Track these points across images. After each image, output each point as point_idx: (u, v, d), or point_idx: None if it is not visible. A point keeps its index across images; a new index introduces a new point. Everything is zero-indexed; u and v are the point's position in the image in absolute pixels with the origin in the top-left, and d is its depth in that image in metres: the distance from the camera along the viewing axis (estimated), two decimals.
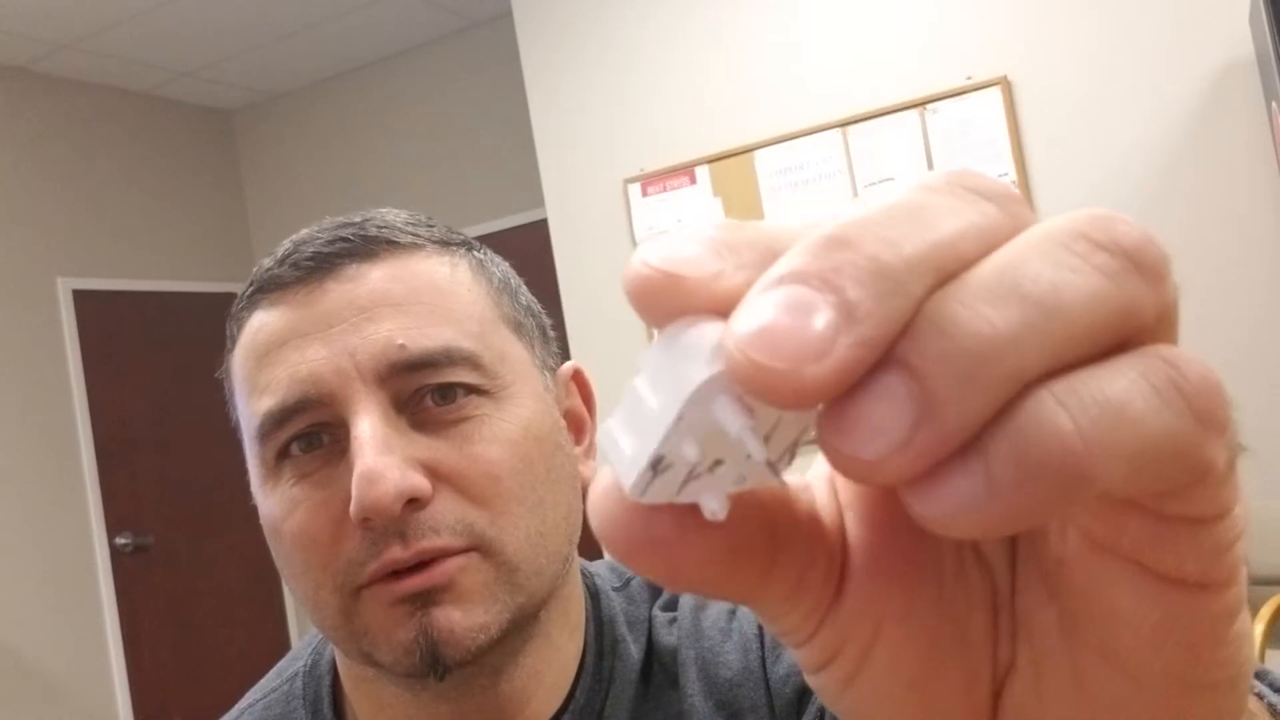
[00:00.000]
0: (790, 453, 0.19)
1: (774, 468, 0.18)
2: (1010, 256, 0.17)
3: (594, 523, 0.19)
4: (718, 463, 0.18)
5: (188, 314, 4.62)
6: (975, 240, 0.17)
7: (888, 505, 0.21)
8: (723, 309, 0.17)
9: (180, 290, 4.63)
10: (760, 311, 0.16)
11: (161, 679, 4.19)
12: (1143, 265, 0.17)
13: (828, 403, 0.16)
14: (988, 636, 0.21)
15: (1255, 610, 2.28)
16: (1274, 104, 2.45)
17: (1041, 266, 0.16)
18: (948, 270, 0.16)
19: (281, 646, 4.53)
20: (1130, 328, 0.17)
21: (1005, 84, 2.89)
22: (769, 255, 0.18)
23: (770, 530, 0.20)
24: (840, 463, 0.16)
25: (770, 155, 3.18)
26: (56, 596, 3.88)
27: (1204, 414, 0.16)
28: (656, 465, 0.18)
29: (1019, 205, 0.18)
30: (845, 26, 3.11)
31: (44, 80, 4.23)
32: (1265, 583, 2.31)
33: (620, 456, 0.19)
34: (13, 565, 3.75)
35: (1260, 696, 0.33)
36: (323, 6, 4.08)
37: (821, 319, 0.16)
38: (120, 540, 4.12)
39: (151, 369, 4.40)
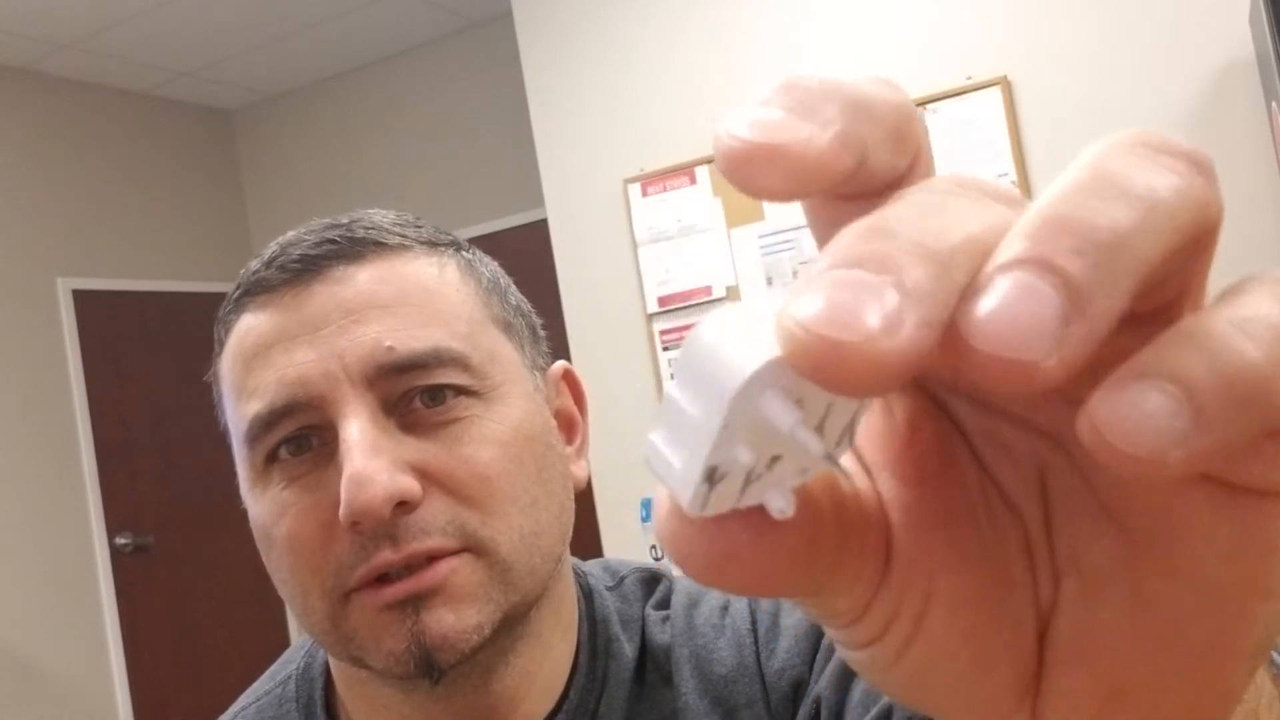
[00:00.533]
0: (847, 438, 0.19)
1: (832, 458, 0.17)
2: (1095, 163, 0.17)
3: (665, 548, 0.19)
4: (775, 459, 0.17)
5: (188, 314, 4.62)
6: (1001, 234, 0.17)
7: (917, 456, 0.21)
8: (819, 173, 0.17)
9: (180, 290, 4.63)
10: (819, 293, 0.15)
11: (161, 679, 4.19)
12: (1202, 166, 0.17)
13: (963, 313, 0.16)
14: (1027, 579, 0.21)
15: None
16: (1274, 104, 2.45)
17: (1128, 167, 0.16)
18: (982, 260, 0.16)
19: (281, 646, 4.53)
20: (1205, 226, 0.17)
21: (1005, 84, 2.89)
22: (846, 106, 0.18)
23: (835, 514, 0.20)
24: (991, 372, 0.16)
25: None
26: (56, 596, 3.88)
27: None
28: (711, 476, 0.17)
29: (1025, 206, 0.18)
30: (845, 26, 3.11)
31: (44, 80, 4.23)
32: None
33: (671, 473, 0.18)
34: (13, 565, 3.75)
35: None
36: (323, 6, 4.08)
37: (888, 296, 0.15)
38: (120, 540, 4.12)
39: (151, 369, 4.40)
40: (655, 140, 3.36)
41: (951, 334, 0.16)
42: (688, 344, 0.17)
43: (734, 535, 0.18)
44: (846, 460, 0.21)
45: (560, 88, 3.52)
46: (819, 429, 0.17)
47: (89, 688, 3.94)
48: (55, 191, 4.18)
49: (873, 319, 0.15)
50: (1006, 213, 0.17)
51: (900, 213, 0.17)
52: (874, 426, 0.21)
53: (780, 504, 0.18)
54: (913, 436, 0.21)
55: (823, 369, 0.15)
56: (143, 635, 4.14)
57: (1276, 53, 2.27)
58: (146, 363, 4.40)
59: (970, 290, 0.16)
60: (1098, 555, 0.20)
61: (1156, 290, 0.17)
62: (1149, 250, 0.16)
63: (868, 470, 0.21)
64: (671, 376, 0.18)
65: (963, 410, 0.21)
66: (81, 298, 4.19)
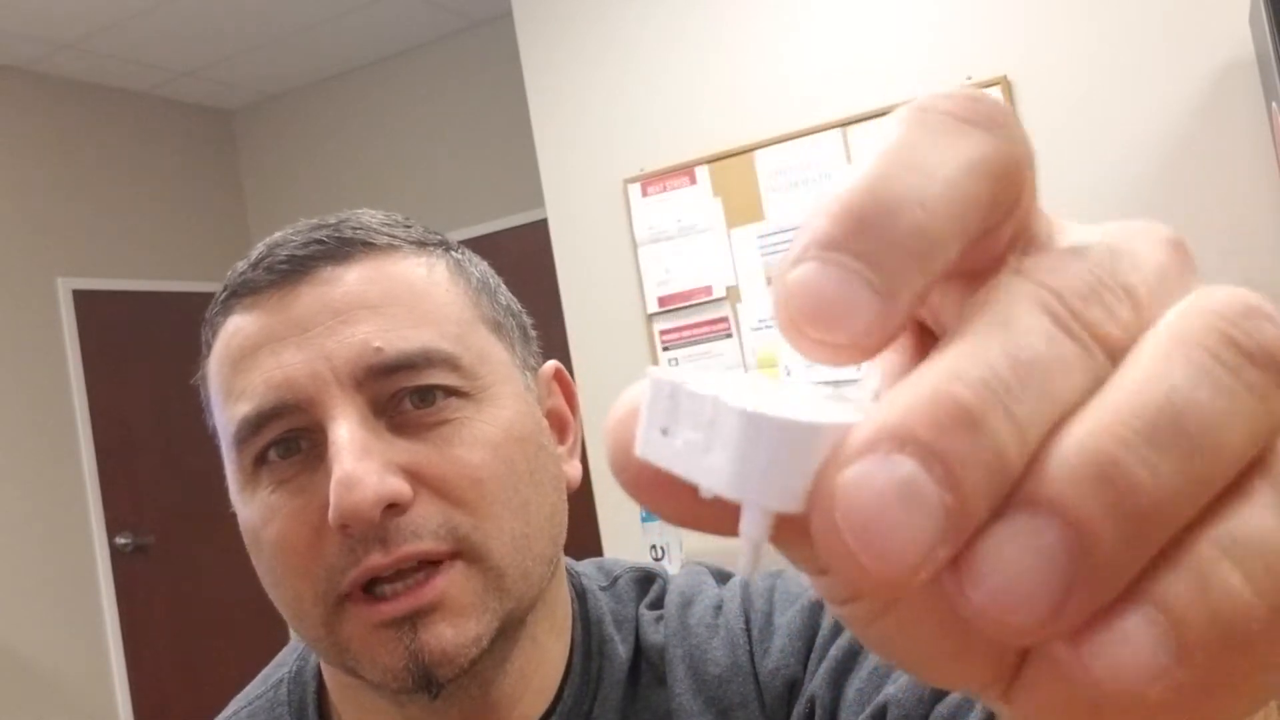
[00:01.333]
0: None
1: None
2: (1162, 375, 0.15)
3: (608, 449, 0.18)
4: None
5: (188, 314, 4.61)
6: (1084, 400, 0.16)
7: None
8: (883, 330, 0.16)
9: (180, 290, 4.62)
10: (871, 488, 0.15)
11: (161, 679, 4.19)
12: None
13: (968, 555, 0.15)
14: None
15: None
16: (1274, 104, 2.45)
17: (1196, 392, 0.15)
18: (1051, 438, 0.15)
19: (280, 647, 4.52)
20: (1269, 441, 0.16)
21: (1005, 84, 2.89)
22: (925, 259, 0.16)
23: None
24: (978, 620, 0.15)
25: (770, 155, 3.18)
26: (56, 596, 3.88)
27: None
28: (665, 445, 0.18)
29: (1127, 345, 0.16)
30: (845, 26, 3.11)
31: (44, 80, 4.23)
32: None
33: (643, 428, 0.18)
34: (13, 565, 3.75)
35: None
36: (323, 6, 4.08)
37: (930, 523, 0.14)
38: (120, 540, 4.11)
39: (151, 369, 4.40)
40: (655, 140, 3.36)
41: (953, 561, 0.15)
42: (763, 416, 0.16)
43: (665, 493, 0.18)
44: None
45: (560, 88, 3.52)
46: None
47: (89, 688, 3.94)
48: (55, 191, 4.18)
49: (904, 554, 0.15)
50: (1099, 371, 0.16)
51: (992, 375, 0.15)
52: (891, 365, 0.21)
53: (745, 568, 0.18)
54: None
55: (840, 569, 0.15)
56: (143, 635, 4.14)
57: (1276, 53, 2.27)
58: (146, 363, 4.40)
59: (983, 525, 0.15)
60: None
61: None
62: (1189, 507, 0.15)
63: None
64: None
65: None
66: (81, 298, 4.19)
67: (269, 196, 5.05)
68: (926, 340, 0.21)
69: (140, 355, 4.39)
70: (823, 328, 0.16)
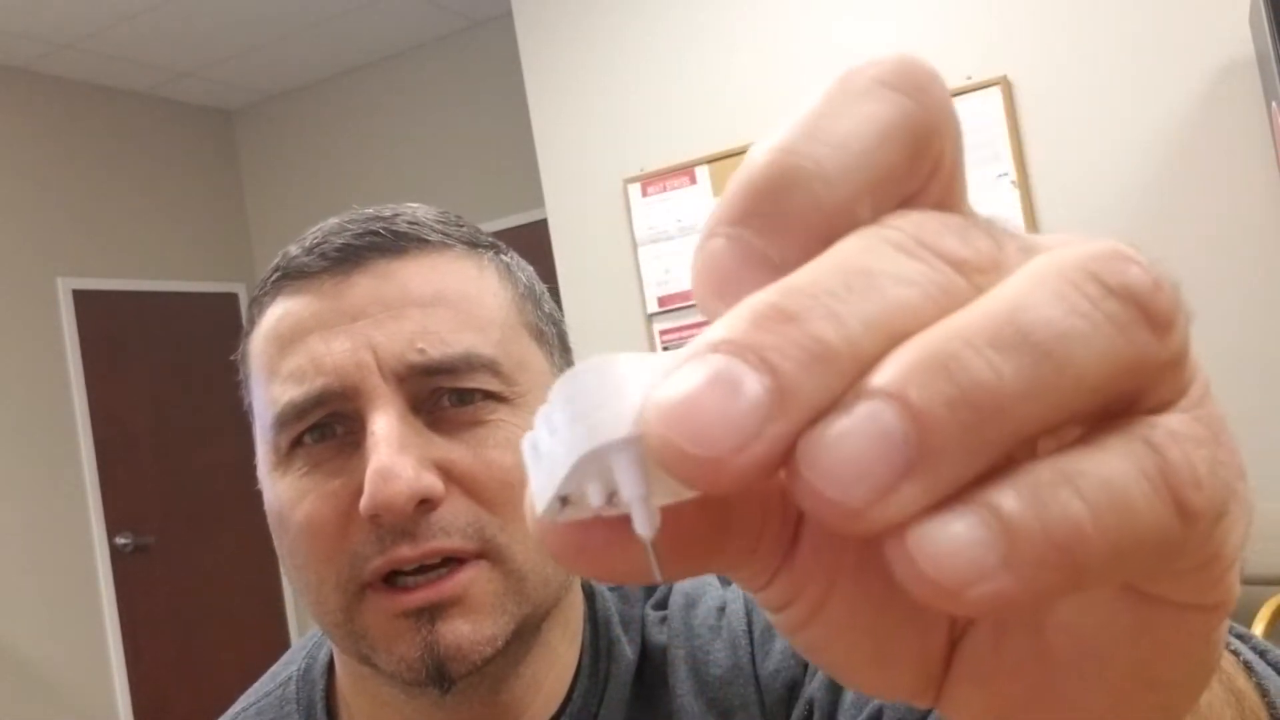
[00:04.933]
0: None
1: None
2: (1018, 294, 0.15)
3: (533, 533, 0.19)
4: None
5: (188, 314, 4.62)
6: (935, 315, 0.16)
7: None
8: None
9: (180, 290, 4.63)
10: (685, 381, 0.15)
11: (161, 679, 4.19)
12: (1154, 316, 0.15)
13: (807, 431, 0.15)
14: None
15: (1255, 610, 2.28)
16: (1274, 104, 2.45)
17: (1051, 310, 0.15)
18: (893, 346, 0.15)
19: (281, 646, 4.53)
20: (1132, 382, 0.16)
21: (1005, 84, 2.89)
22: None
23: (716, 514, 0.19)
24: (812, 503, 0.15)
25: None
26: (56, 596, 3.88)
27: (1187, 508, 0.15)
28: (564, 500, 0.18)
29: (988, 274, 0.17)
30: (845, 26, 3.11)
31: (44, 80, 4.23)
32: (1265, 583, 2.31)
33: (533, 479, 0.18)
34: (13, 565, 3.75)
35: (1236, 654, 0.33)
36: (323, 6, 4.08)
37: (749, 401, 0.15)
38: (120, 540, 4.12)
39: (151, 369, 4.40)
40: (655, 140, 3.36)
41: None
42: (574, 374, 0.17)
43: (592, 538, 0.18)
44: None
45: (560, 88, 3.52)
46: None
47: (89, 688, 3.94)
48: (55, 191, 4.18)
49: (727, 432, 0.15)
50: (952, 284, 0.16)
51: (815, 284, 0.16)
52: None
53: (643, 526, 0.17)
54: None
55: (673, 468, 0.15)
56: (143, 635, 4.14)
57: (1276, 53, 2.27)
58: (146, 363, 4.40)
59: (827, 407, 0.15)
60: None
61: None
62: (1030, 416, 0.15)
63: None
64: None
65: None
66: (81, 298, 4.19)
67: (269, 196, 5.05)
68: None
69: (140, 355, 4.39)
70: (727, 299, 0.17)
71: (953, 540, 0.15)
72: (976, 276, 0.16)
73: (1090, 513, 0.15)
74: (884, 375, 0.15)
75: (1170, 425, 0.16)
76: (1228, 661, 0.29)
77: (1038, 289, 0.15)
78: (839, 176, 0.17)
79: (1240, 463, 0.17)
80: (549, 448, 0.17)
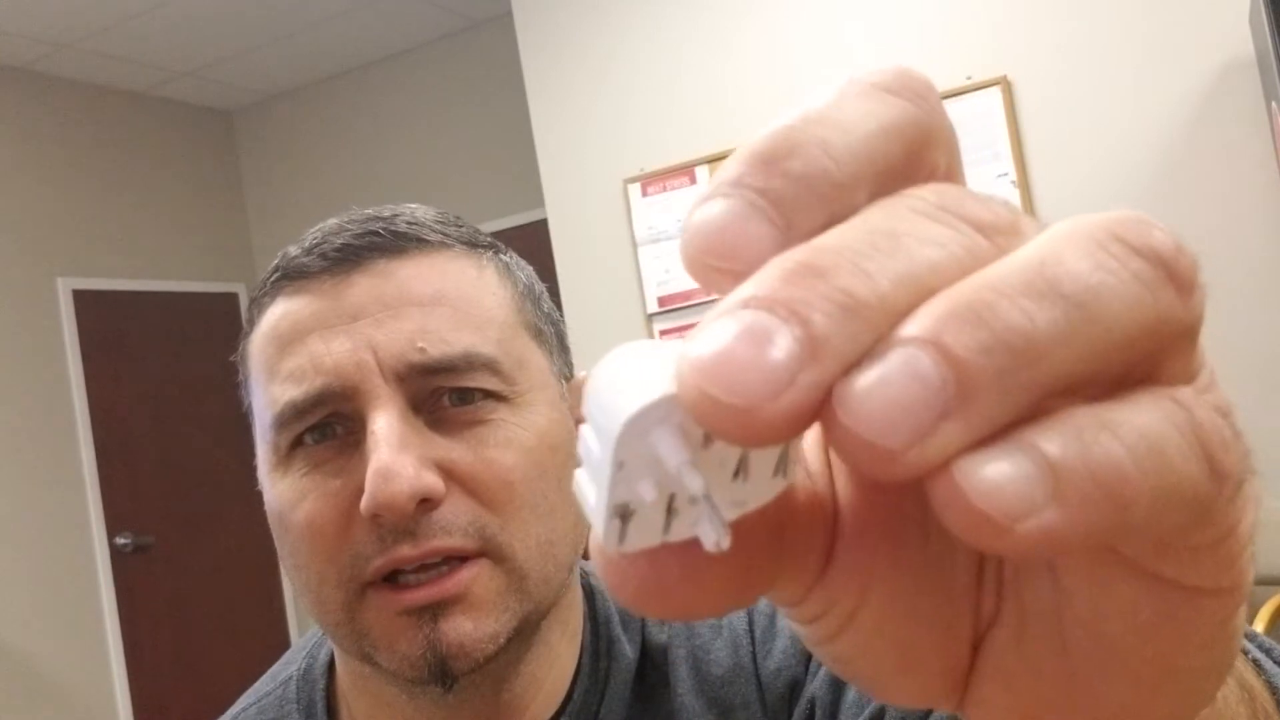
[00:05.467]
0: (785, 467, 0.18)
1: (738, 500, 0.17)
2: (1045, 250, 0.16)
3: (600, 575, 0.19)
4: (704, 494, 0.17)
5: (188, 314, 4.62)
6: (958, 274, 0.16)
7: None
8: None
9: (180, 290, 4.63)
10: (717, 337, 0.15)
11: (161, 679, 4.19)
12: (1176, 275, 0.16)
13: (842, 379, 0.15)
14: (971, 589, 0.21)
15: (1255, 610, 2.28)
16: (1274, 104, 2.45)
17: (1080, 265, 0.15)
18: (923, 301, 0.16)
19: (281, 646, 4.53)
20: (1159, 340, 0.16)
21: (1005, 84, 2.89)
22: (829, 193, 0.17)
23: (777, 533, 0.19)
24: (851, 448, 0.15)
25: None
26: (56, 596, 3.88)
27: (1217, 465, 0.16)
28: (622, 513, 0.17)
29: (1009, 236, 0.17)
30: (844, 26, 3.11)
31: (44, 80, 4.23)
32: (1265, 583, 2.31)
33: (588, 508, 0.18)
34: (13, 565, 3.75)
35: (1244, 652, 0.33)
36: (323, 6, 4.08)
37: (782, 351, 0.15)
38: (120, 540, 4.11)
39: (151, 369, 4.40)
40: (655, 140, 3.36)
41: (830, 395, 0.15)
42: (591, 378, 0.17)
43: (664, 570, 0.18)
44: (816, 456, 0.21)
45: (560, 88, 3.52)
46: (743, 460, 0.17)
47: (89, 688, 3.94)
48: (55, 191, 4.18)
49: (761, 380, 0.15)
50: (976, 244, 0.17)
51: (842, 244, 0.16)
52: None
53: (713, 537, 0.17)
54: None
55: (709, 421, 0.15)
56: (143, 635, 4.14)
57: (1276, 53, 2.27)
58: (146, 363, 4.40)
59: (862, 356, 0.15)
60: (1034, 592, 0.20)
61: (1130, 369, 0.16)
62: (1063, 364, 0.15)
63: (828, 463, 0.21)
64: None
65: None
66: (81, 298, 4.19)
67: (269, 196, 5.05)
68: None
69: (140, 355, 4.39)
70: (720, 255, 0.17)
71: (1001, 474, 0.15)
72: (999, 239, 0.17)
73: (1130, 456, 0.15)
74: (918, 323, 0.15)
75: (1191, 393, 0.16)
76: (1238, 659, 0.30)
77: (1065, 246, 0.16)
78: (842, 154, 0.17)
79: (1248, 449, 0.17)
80: (591, 449, 0.17)
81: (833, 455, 0.21)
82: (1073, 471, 0.15)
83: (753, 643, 0.59)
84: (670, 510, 0.17)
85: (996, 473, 0.15)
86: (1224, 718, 0.25)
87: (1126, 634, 0.18)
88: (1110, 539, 0.15)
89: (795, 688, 0.57)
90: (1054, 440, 0.15)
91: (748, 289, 0.16)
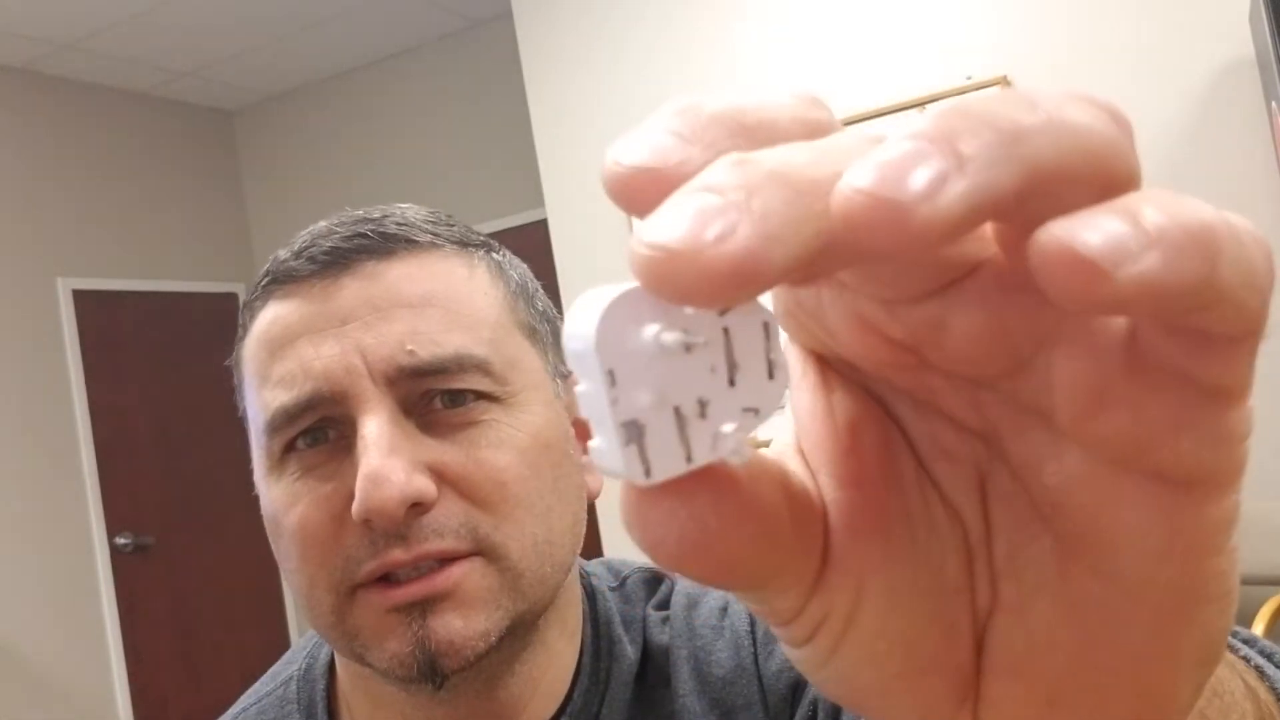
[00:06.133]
0: (778, 371, 0.18)
1: (773, 385, 0.18)
2: (1015, 90, 0.17)
3: (636, 537, 0.19)
4: (702, 404, 0.18)
5: (188, 314, 4.62)
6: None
7: (858, 458, 0.21)
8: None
9: (180, 290, 4.63)
10: (665, 210, 0.16)
11: (161, 679, 4.19)
12: (1119, 119, 0.17)
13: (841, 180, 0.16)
14: (964, 584, 0.21)
15: (1255, 610, 2.28)
16: (1274, 104, 2.45)
17: (1045, 95, 0.17)
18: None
19: (281, 646, 4.53)
20: (1114, 173, 0.17)
21: (1005, 84, 2.89)
22: (737, 129, 0.18)
23: (787, 504, 0.20)
24: (854, 214, 0.15)
25: None
26: (56, 596, 3.88)
27: (1206, 247, 0.16)
28: (632, 434, 0.17)
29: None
30: (845, 26, 3.11)
31: (44, 80, 4.24)
32: (1265, 583, 2.31)
33: (604, 457, 0.18)
34: (13, 565, 3.75)
35: (1246, 659, 0.33)
36: (323, 6, 4.08)
37: (726, 214, 0.15)
38: (120, 540, 4.12)
39: (151, 369, 4.40)
40: None
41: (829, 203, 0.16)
42: (563, 331, 0.18)
43: (701, 513, 0.18)
44: (796, 463, 0.21)
45: (560, 87, 3.52)
46: (731, 362, 0.18)
47: (89, 688, 3.94)
48: (55, 191, 4.18)
49: (705, 230, 0.15)
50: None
51: (780, 153, 0.17)
52: (815, 428, 0.21)
53: (731, 448, 0.18)
54: (854, 439, 0.21)
55: (661, 279, 0.15)
56: (143, 635, 4.14)
57: (1276, 53, 2.27)
58: (146, 363, 4.40)
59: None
60: (1033, 558, 0.20)
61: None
62: (1047, 149, 0.16)
63: (810, 470, 0.21)
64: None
65: (905, 413, 0.21)
66: (81, 298, 4.19)
67: (269, 196, 5.05)
68: (829, 376, 0.21)
69: (140, 355, 4.39)
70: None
71: (1099, 223, 0.15)
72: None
73: (1203, 215, 0.15)
74: (906, 126, 0.16)
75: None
76: (1238, 663, 0.30)
77: (1032, 89, 0.17)
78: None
79: None
80: (585, 392, 0.18)
81: (811, 461, 0.21)
82: (1161, 224, 0.15)
83: (754, 644, 0.59)
84: (681, 421, 0.17)
85: (1093, 223, 0.15)
86: (1231, 710, 0.25)
87: (1142, 562, 0.18)
88: (1200, 300, 0.15)
89: (798, 689, 0.57)
90: (1136, 200, 0.16)
91: (691, 182, 0.16)
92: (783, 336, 0.20)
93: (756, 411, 0.18)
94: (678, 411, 0.17)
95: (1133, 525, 0.18)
